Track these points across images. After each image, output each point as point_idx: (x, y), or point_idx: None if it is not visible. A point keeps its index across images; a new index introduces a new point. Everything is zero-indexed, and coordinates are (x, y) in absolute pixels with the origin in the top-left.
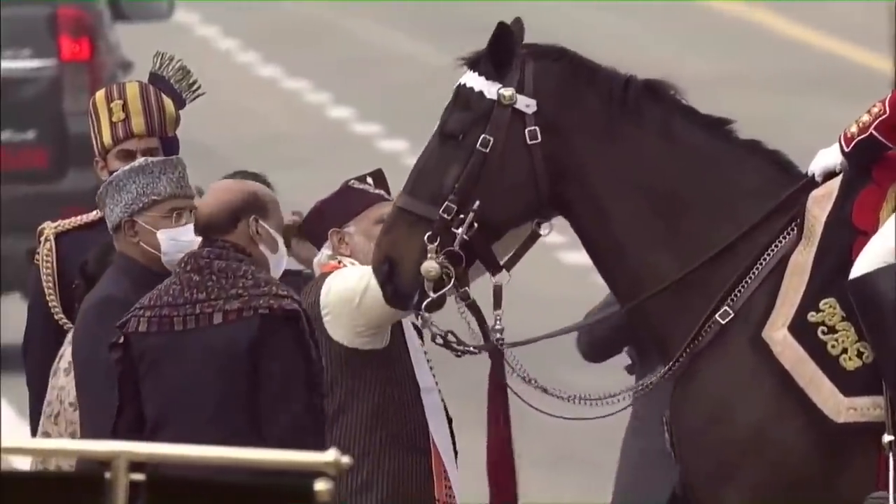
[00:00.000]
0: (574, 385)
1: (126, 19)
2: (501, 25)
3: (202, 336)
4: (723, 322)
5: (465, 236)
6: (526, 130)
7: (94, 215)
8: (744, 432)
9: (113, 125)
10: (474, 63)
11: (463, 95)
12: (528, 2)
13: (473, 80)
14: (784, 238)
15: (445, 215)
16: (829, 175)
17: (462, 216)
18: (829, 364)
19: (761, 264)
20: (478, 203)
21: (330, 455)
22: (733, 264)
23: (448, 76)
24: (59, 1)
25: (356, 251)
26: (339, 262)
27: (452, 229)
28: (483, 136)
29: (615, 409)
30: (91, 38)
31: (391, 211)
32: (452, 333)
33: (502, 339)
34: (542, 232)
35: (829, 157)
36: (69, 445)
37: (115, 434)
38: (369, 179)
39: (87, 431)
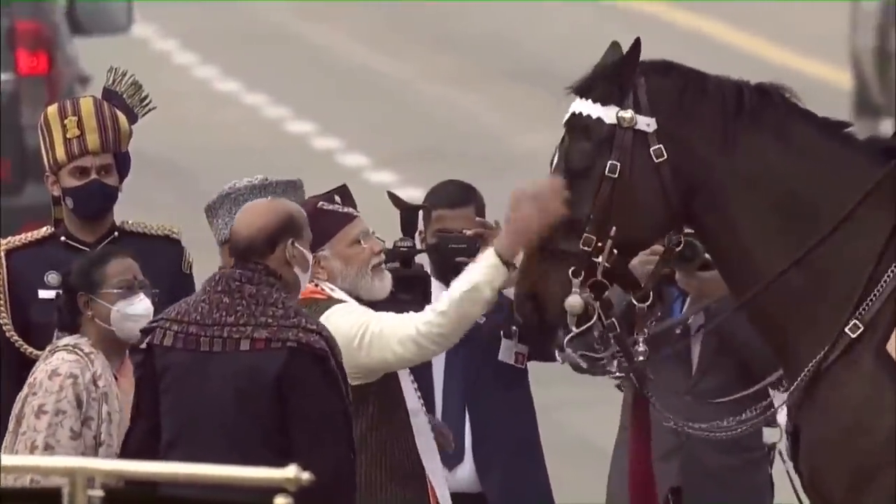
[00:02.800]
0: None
1: (84, 33)
2: (615, 45)
3: (227, 360)
4: (853, 336)
5: (606, 264)
6: (651, 150)
7: (44, 231)
8: (881, 441)
9: (67, 141)
10: (584, 90)
11: (580, 124)
12: (494, 7)
13: (587, 107)
14: None
15: (586, 247)
16: None
17: (601, 245)
18: None
19: (890, 275)
20: (614, 229)
21: (290, 471)
22: (860, 275)
23: (411, 89)
24: (16, 14)
25: (333, 275)
26: (317, 286)
27: (593, 259)
28: (610, 162)
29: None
30: (49, 51)
31: (526, 249)
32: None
33: (646, 364)
34: (677, 247)
35: None
36: (26, 462)
37: (125, 447)
38: (336, 197)
39: None
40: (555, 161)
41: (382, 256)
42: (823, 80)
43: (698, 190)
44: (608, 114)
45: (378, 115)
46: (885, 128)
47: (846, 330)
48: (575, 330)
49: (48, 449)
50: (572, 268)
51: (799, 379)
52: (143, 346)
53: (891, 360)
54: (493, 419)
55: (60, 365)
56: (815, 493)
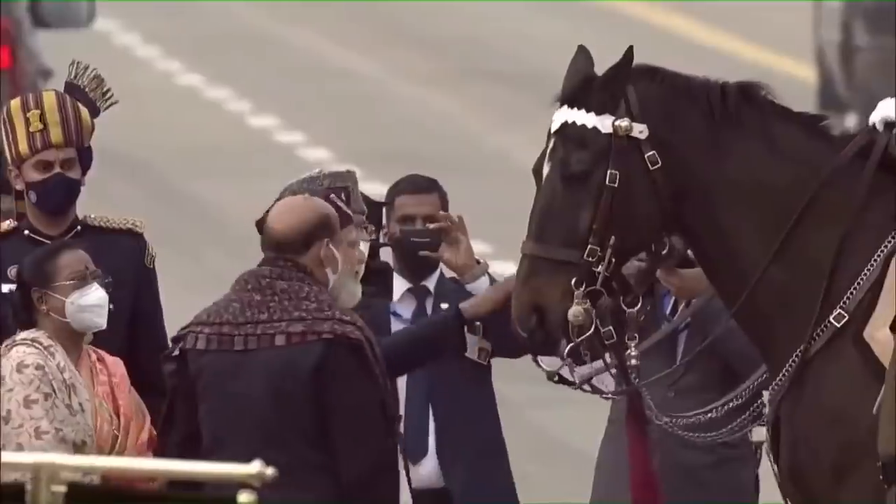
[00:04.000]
0: None
1: (47, 26)
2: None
3: (263, 357)
4: (838, 325)
5: (606, 273)
6: (645, 157)
7: (6, 225)
8: (862, 434)
9: (30, 135)
10: (574, 99)
11: (573, 134)
12: (467, 10)
13: (581, 117)
14: (893, 238)
15: (590, 258)
16: (888, 125)
17: (602, 254)
18: None
19: (871, 265)
20: (613, 238)
21: (254, 467)
22: (843, 266)
23: (374, 86)
24: None
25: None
26: None
27: (593, 269)
28: (609, 171)
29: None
30: (11, 45)
31: (523, 260)
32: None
33: (637, 376)
34: (664, 251)
35: (889, 106)
36: None
37: (160, 451)
38: (343, 195)
39: None
40: (546, 170)
41: (362, 266)
42: (788, 74)
43: (688, 194)
44: (604, 123)
45: (344, 111)
46: (850, 122)
47: (831, 319)
48: (576, 340)
49: (57, 432)
50: (574, 278)
51: (783, 370)
52: (176, 353)
53: (869, 348)
54: (456, 416)
55: (25, 357)
56: (794, 487)
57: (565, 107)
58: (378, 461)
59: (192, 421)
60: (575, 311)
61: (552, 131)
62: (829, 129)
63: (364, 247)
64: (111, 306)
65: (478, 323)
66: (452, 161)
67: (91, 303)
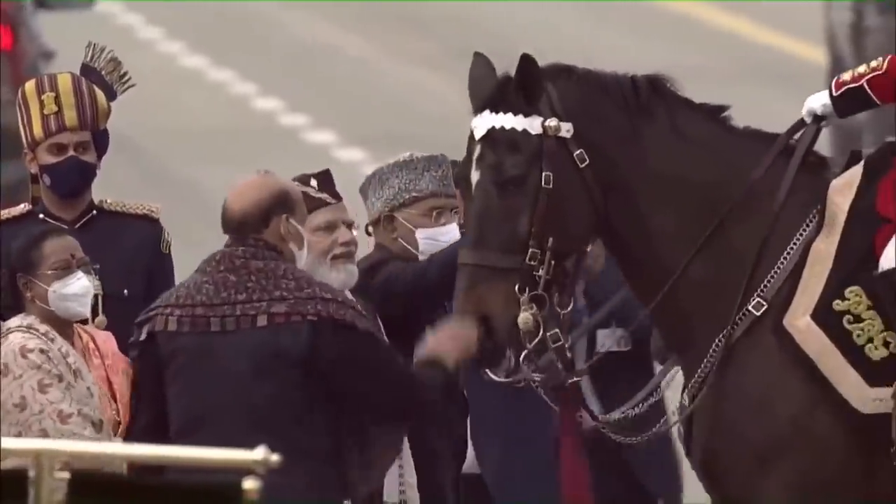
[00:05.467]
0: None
1: (48, 7)
2: (525, 57)
3: (244, 338)
4: (757, 313)
5: (546, 276)
6: (574, 156)
7: (21, 209)
8: (783, 424)
9: (45, 118)
10: (495, 103)
11: (503, 139)
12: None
13: (507, 121)
14: (807, 226)
15: (532, 262)
16: (815, 118)
17: (542, 257)
18: (854, 353)
19: (789, 253)
20: (551, 240)
21: (259, 453)
22: (760, 256)
23: (376, 68)
24: None
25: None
26: None
27: (534, 273)
28: (544, 173)
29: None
30: (12, 26)
31: (463, 269)
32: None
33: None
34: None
35: (815, 100)
36: None
37: (128, 436)
38: (313, 181)
39: None
40: (476, 177)
41: (348, 249)
42: (799, 56)
43: (611, 190)
44: (533, 125)
45: (346, 94)
46: None
47: (750, 308)
48: (529, 346)
49: (80, 412)
50: (517, 284)
51: (703, 361)
52: (143, 337)
53: (789, 336)
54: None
55: (26, 342)
56: (708, 479)
57: (486, 112)
58: (421, 402)
59: (158, 404)
60: (524, 317)
61: (478, 138)
62: (728, 118)
63: (346, 230)
64: (125, 291)
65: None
66: (450, 142)
67: (73, 292)
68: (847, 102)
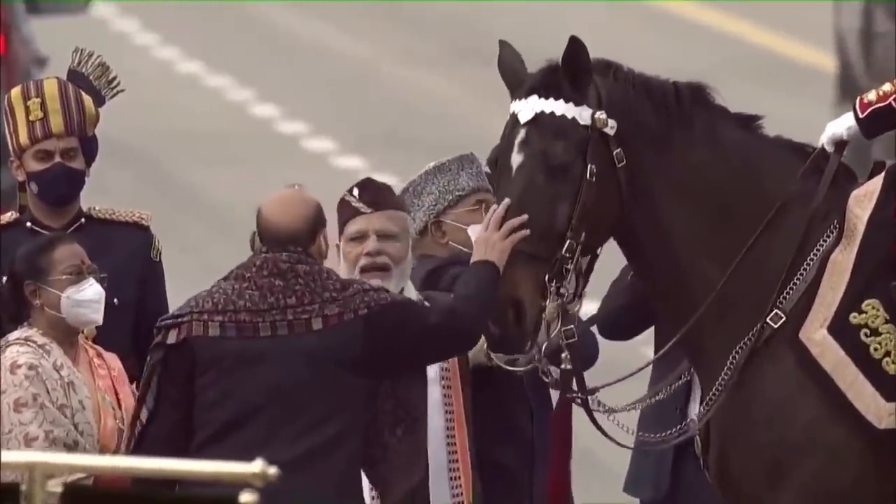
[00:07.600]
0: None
1: (41, 13)
2: (574, 41)
3: (300, 342)
4: (774, 326)
5: (574, 270)
6: (613, 154)
7: (8, 217)
8: (798, 433)
9: (30, 124)
10: (546, 88)
11: (551, 124)
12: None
13: (556, 107)
14: (827, 238)
15: (567, 254)
16: (840, 144)
17: (574, 250)
18: (871, 367)
19: (808, 265)
20: (584, 234)
21: (256, 466)
22: (779, 268)
23: (378, 72)
24: None
25: (335, 268)
26: None
27: (565, 266)
28: (589, 165)
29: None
30: (5, 32)
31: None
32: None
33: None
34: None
35: (838, 125)
36: None
37: (141, 442)
38: (356, 190)
39: None
40: (518, 161)
41: (373, 260)
42: (808, 62)
43: (641, 194)
44: (582, 114)
45: (344, 98)
46: None
47: (768, 320)
48: (548, 337)
49: (47, 435)
50: (547, 273)
51: (723, 373)
52: (172, 341)
53: (806, 349)
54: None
55: (18, 357)
56: (725, 488)
57: (534, 96)
58: (470, 319)
59: (181, 410)
60: (551, 307)
61: (523, 122)
62: (761, 127)
63: (372, 240)
64: (115, 300)
65: None
66: (451, 145)
67: (87, 298)
68: (874, 123)
